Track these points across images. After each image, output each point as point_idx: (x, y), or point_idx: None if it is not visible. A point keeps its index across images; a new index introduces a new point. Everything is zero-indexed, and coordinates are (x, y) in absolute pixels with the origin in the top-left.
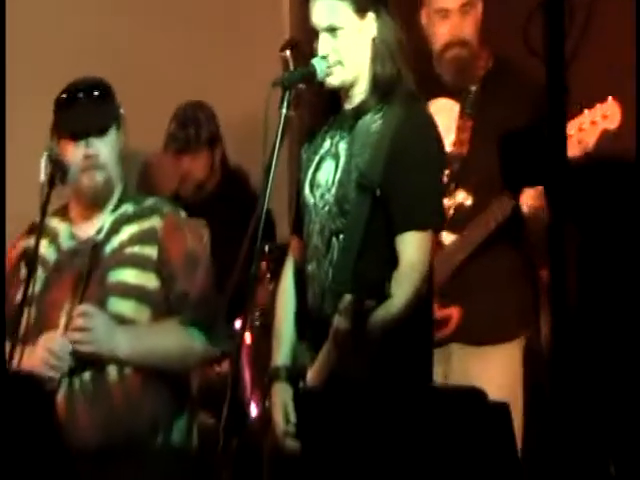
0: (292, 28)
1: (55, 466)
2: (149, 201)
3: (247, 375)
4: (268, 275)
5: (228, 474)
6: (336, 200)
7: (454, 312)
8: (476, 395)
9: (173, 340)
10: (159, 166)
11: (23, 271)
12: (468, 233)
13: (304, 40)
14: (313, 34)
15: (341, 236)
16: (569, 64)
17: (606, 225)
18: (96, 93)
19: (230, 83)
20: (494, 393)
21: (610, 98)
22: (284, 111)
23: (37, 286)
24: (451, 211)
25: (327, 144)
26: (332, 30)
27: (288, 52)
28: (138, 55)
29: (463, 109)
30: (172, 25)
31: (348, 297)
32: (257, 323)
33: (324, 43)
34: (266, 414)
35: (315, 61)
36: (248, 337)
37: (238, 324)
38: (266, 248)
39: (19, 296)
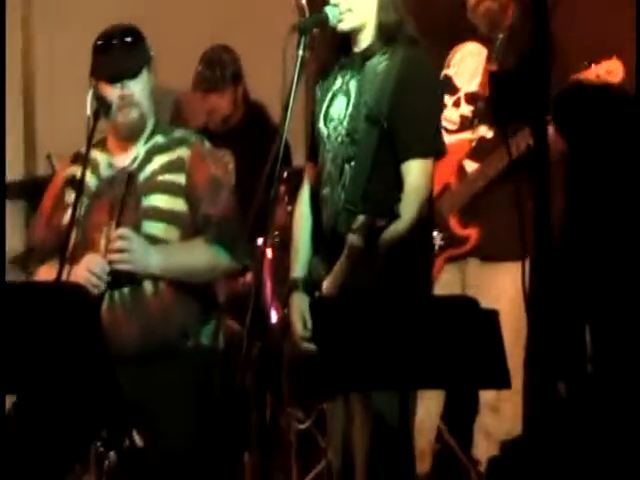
0: None
1: (97, 367)
2: (178, 133)
3: (268, 286)
4: (286, 198)
5: (251, 372)
6: (347, 132)
7: (473, 232)
8: (469, 303)
9: (199, 256)
10: (189, 103)
11: (68, 196)
12: (488, 163)
13: None
14: None
15: (352, 163)
16: (552, 11)
17: (597, 145)
18: (128, 39)
19: (252, 28)
20: (505, 304)
21: (615, 56)
22: (301, 52)
23: (81, 212)
24: (474, 143)
25: (339, 82)
26: None
27: (304, 0)
28: (172, 6)
29: (490, 54)
30: None
31: (361, 217)
32: (277, 240)
33: None
34: (285, 320)
35: (327, 8)
36: (269, 253)
37: (260, 241)
38: (284, 173)
39: (66, 219)
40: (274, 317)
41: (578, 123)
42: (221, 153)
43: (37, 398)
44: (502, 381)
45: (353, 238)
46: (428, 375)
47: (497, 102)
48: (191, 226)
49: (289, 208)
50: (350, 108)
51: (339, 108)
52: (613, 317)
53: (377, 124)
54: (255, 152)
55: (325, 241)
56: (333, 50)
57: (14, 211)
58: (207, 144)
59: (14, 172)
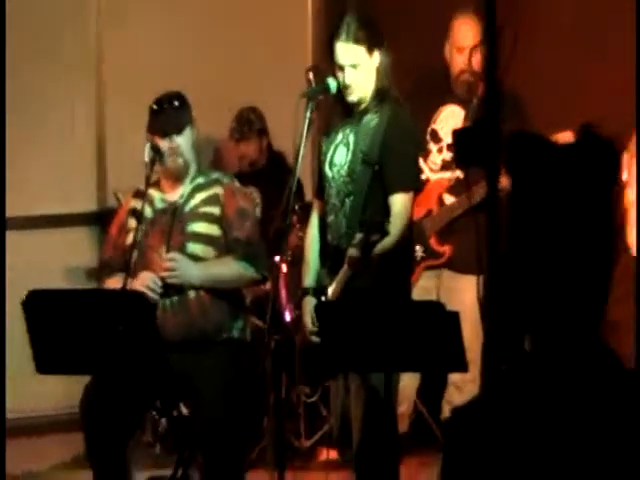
0: (314, 55)
1: (152, 353)
2: (214, 175)
3: (283, 293)
4: (298, 225)
5: (270, 358)
6: (347, 173)
7: (447, 249)
8: (437, 306)
9: (230, 270)
10: (225, 150)
11: (130, 224)
12: (461, 200)
13: (322, 62)
14: (334, 65)
15: (351, 197)
16: (503, 78)
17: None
18: (176, 103)
19: (273, 93)
20: (467, 307)
21: (570, 130)
22: (308, 114)
23: (140, 236)
24: (451, 182)
25: (340, 136)
26: (353, 66)
27: (311, 74)
28: (214, 76)
29: (467, 115)
30: (236, 56)
31: (359, 234)
32: (290, 258)
33: (348, 75)
34: (298, 319)
35: (329, 80)
36: (284, 267)
37: (277, 258)
38: (297, 206)
39: (128, 241)
40: (288, 317)
41: (522, 163)
42: (249, 190)
43: (108, 377)
44: (461, 366)
45: (352, 251)
46: (405, 360)
47: (457, 151)
48: (224, 247)
49: (300, 234)
50: (349, 155)
51: (341, 156)
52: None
53: (370, 166)
54: (276, 189)
55: (330, 257)
56: (336, 113)
57: (90, 235)
58: (236, 183)
59: (89, 204)
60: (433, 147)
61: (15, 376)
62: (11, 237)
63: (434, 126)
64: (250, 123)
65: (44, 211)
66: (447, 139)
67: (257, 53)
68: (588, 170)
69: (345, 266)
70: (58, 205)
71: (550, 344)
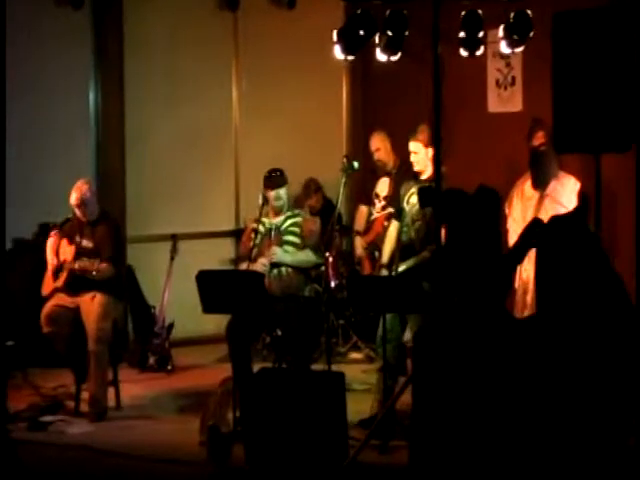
0: (346, 147)
1: (263, 303)
2: (296, 211)
3: (330, 272)
4: (339, 236)
5: (323, 306)
6: (417, 210)
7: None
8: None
9: (304, 256)
10: (299, 199)
11: (253, 235)
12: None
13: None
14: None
15: (418, 222)
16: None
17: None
18: (278, 173)
19: (326, 170)
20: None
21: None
22: (343, 180)
23: (257, 241)
24: (385, 216)
25: (413, 189)
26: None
27: (345, 159)
28: (295, 161)
29: (390, 181)
30: (307, 150)
31: (430, 247)
32: (334, 253)
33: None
34: (338, 286)
35: (354, 162)
36: (331, 258)
37: (327, 253)
38: (337, 227)
39: (251, 245)
40: (332, 284)
41: (450, 200)
42: (314, 219)
43: (240, 314)
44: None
45: (425, 252)
46: (403, 307)
47: (420, 199)
48: (301, 246)
49: (338, 241)
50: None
51: (413, 199)
52: None
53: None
54: (328, 218)
55: (402, 249)
56: (408, 176)
57: (230, 243)
58: (308, 215)
59: (231, 225)
60: (376, 201)
61: (194, 315)
62: (190, 243)
63: (376, 190)
64: (311, 186)
65: (211, 229)
66: (383, 194)
67: (318, 149)
68: (481, 204)
69: (415, 258)
70: (215, 226)
71: (466, 302)
